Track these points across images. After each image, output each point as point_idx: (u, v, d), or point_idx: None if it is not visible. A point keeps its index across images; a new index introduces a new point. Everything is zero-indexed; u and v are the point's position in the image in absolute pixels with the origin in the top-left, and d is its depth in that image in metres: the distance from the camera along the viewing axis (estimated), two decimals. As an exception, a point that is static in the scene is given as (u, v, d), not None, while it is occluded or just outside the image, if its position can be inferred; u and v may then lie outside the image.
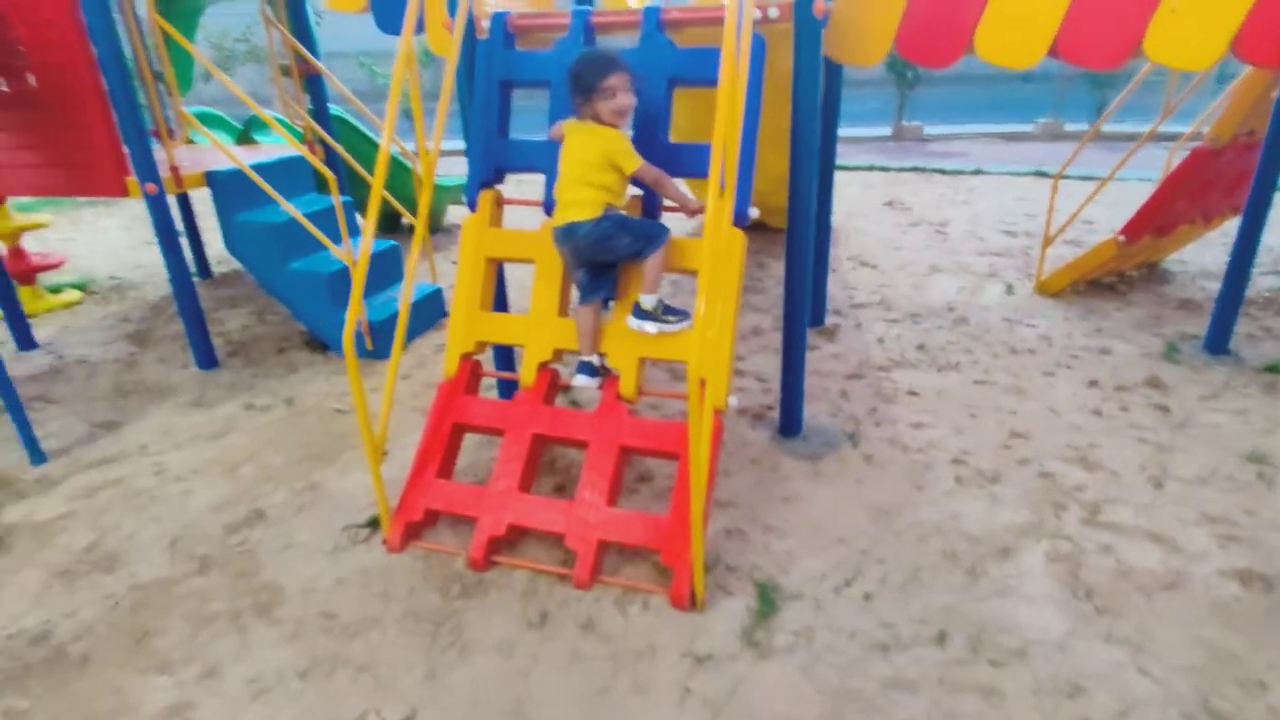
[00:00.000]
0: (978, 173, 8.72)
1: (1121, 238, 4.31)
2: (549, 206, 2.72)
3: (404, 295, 2.60)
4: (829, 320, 4.42)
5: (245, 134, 5.90)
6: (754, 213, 2.50)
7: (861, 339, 4.17)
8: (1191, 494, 2.74)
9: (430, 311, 4.61)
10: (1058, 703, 1.92)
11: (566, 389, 2.78)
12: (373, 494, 2.77)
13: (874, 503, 2.75)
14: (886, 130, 11.98)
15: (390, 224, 6.61)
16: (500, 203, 2.88)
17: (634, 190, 2.68)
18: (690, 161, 2.61)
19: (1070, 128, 11.35)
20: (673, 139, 2.68)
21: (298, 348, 4.32)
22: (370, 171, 4.60)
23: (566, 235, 2.54)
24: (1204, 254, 5.33)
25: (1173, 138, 5.16)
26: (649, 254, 2.50)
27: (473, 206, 2.83)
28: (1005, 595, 2.29)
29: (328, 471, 3.07)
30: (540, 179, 2.78)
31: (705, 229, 2.04)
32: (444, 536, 2.63)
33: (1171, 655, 2.05)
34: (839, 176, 4.39)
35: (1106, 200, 6.28)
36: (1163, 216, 4.29)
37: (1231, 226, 4.21)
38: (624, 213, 2.57)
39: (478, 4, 2.80)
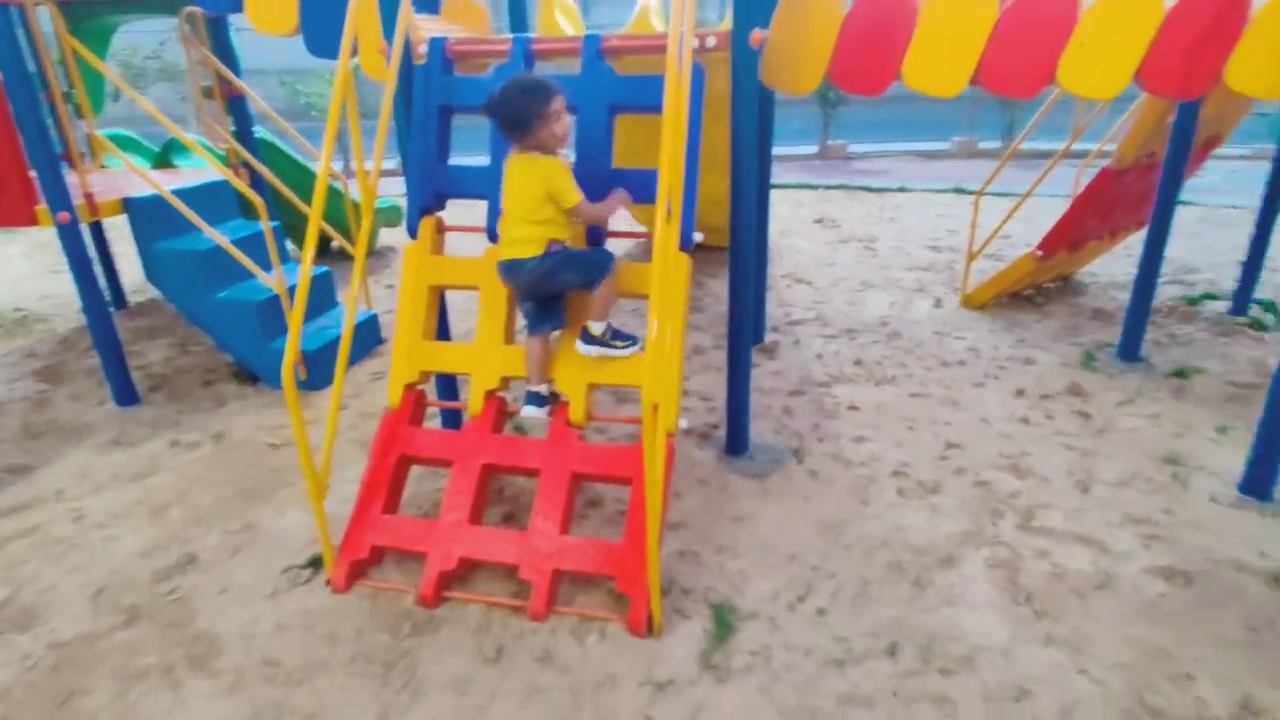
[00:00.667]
0: (902, 190, 9.05)
1: (1039, 252, 4.54)
2: (493, 234, 2.69)
3: (347, 323, 2.53)
4: (768, 338, 4.50)
5: (163, 157, 5.64)
6: (698, 236, 2.53)
7: (800, 355, 4.26)
8: (1115, 496, 2.89)
9: (365, 339, 4.49)
10: (1005, 708, 1.99)
11: (513, 415, 2.74)
12: (312, 532, 2.68)
13: (821, 518, 2.80)
14: (812, 149, 12.32)
15: (320, 247, 6.42)
16: (441, 229, 2.84)
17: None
18: (635, 188, 2.62)
19: (983, 145, 11.92)
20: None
21: (225, 380, 4.14)
22: (296, 194, 4.49)
23: (511, 271, 2.52)
24: (1112, 266, 5.66)
25: (1079, 155, 5.48)
26: (599, 284, 2.49)
27: (413, 234, 2.78)
28: (951, 604, 2.36)
29: (263, 509, 2.94)
30: (482, 203, 2.76)
31: (654, 255, 2.05)
32: (390, 574, 2.56)
33: (1106, 654, 2.15)
34: (770, 195, 4.49)
35: (1022, 216, 6.59)
36: (1075, 233, 4.54)
37: (1135, 241, 4.49)
38: (568, 245, 2.54)
39: (413, 29, 2.77)
